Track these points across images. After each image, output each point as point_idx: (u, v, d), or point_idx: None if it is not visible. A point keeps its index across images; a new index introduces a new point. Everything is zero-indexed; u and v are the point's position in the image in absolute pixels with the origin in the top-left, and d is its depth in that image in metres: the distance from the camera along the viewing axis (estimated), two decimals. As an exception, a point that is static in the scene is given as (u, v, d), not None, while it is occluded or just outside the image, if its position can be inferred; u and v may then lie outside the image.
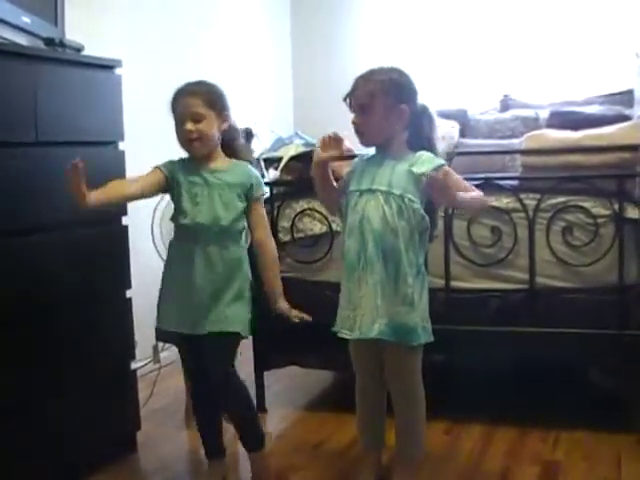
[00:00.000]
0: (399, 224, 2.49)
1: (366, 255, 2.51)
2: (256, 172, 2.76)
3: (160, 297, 2.70)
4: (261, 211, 2.74)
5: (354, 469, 2.83)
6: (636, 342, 3.01)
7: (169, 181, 2.66)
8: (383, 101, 2.53)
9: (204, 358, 2.64)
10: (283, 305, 2.69)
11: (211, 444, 2.81)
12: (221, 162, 2.70)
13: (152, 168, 2.69)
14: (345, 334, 2.58)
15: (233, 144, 2.76)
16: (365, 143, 2.63)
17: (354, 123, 2.58)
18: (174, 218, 2.71)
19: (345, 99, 2.61)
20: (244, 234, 2.72)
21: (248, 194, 2.67)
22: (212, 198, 2.63)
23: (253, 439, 2.76)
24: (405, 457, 2.65)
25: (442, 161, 2.56)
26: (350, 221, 2.58)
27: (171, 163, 2.70)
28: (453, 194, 2.46)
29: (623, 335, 3.04)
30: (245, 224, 2.70)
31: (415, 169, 2.51)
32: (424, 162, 2.53)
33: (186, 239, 2.65)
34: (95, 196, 2.46)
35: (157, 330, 2.75)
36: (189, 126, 2.59)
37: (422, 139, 2.61)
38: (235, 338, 2.66)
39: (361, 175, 2.61)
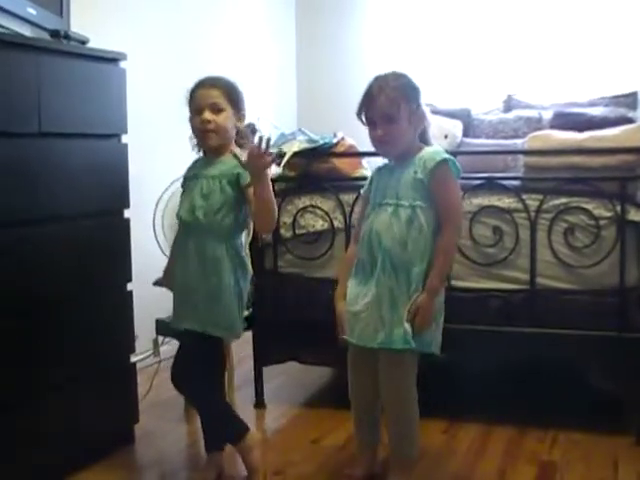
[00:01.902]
0: (408, 236, 2.48)
1: (374, 268, 2.53)
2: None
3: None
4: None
5: (352, 465, 2.84)
6: (635, 344, 3.01)
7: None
8: (408, 107, 2.51)
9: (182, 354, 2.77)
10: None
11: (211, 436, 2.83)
12: (227, 157, 2.70)
13: None
14: (345, 337, 2.63)
15: (243, 146, 2.75)
16: (392, 154, 2.61)
17: (379, 136, 2.53)
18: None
19: (360, 113, 2.57)
20: (237, 233, 2.70)
21: (237, 183, 2.63)
22: (192, 190, 2.68)
23: (222, 433, 2.80)
24: (400, 457, 2.65)
25: (444, 155, 2.54)
26: (362, 233, 2.62)
27: (185, 171, 2.81)
28: (441, 213, 2.52)
29: (623, 337, 3.04)
30: (238, 220, 2.67)
31: (418, 173, 2.51)
32: (425, 162, 2.52)
33: (181, 233, 2.76)
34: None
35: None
36: (207, 115, 2.61)
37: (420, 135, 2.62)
38: (208, 340, 2.67)
39: (377, 187, 2.63)
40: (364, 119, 2.57)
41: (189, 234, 2.68)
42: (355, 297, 2.59)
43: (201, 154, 2.80)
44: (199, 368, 2.69)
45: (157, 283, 3.06)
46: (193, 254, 2.65)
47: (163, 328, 3.48)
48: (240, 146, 2.74)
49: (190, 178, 2.74)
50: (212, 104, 2.62)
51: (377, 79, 2.56)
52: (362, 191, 2.77)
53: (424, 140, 2.62)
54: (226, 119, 2.64)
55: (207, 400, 2.74)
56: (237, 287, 2.67)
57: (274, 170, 3.60)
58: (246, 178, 2.60)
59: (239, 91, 2.71)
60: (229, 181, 2.64)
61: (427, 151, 2.57)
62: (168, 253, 3.40)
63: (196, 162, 2.80)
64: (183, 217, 2.69)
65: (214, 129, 2.63)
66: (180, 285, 2.72)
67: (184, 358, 2.74)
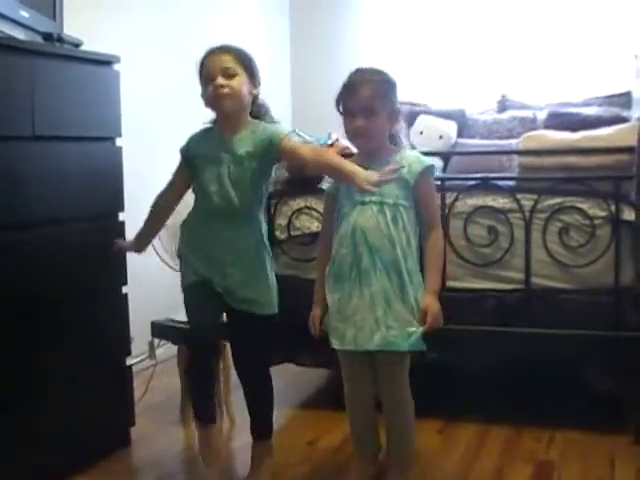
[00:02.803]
0: (395, 233, 2.47)
1: (360, 267, 2.48)
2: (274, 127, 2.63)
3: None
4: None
5: (348, 466, 2.83)
6: (631, 343, 3.01)
7: (187, 162, 2.65)
8: (387, 102, 2.51)
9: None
10: None
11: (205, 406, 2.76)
12: (245, 134, 2.58)
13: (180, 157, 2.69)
14: (335, 344, 2.57)
15: (263, 120, 2.64)
16: (367, 147, 2.57)
17: (357, 127, 2.49)
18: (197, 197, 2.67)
19: (339, 103, 2.55)
20: (261, 212, 2.69)
21: (265, 150, 2.55)
22: (216, 173, 2.56)
23: (266, 426, 2.80)
24: (399, 459, 2.64)
25: (429, 162, 2.54)
26: (342, 231, 2.54)
27: (190, 141, 2.66)
28: (427, 216, 2.54)
29: (618, 336, 3.04)
30: (260, 197, 2.64)
31: (404, 173, 2.47)
32: (412, 164, 2.51)
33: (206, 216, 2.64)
34: (145, 240, 2.80)
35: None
36: (220, 80, 2.49)
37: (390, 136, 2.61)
38: (256, 317, 2.67)
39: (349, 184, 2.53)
40: (341, 109, 2.55)
41: (219, 219, 2.59)
42: (338, 301, 2.55)
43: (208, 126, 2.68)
44: (265, 352, 2.79)
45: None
46: (224, 241, 2.58)
47: (159, 331, 3.48)
48: (257, 118, 2.63)
49: (207, 158, 2.59)
50: (224, 69, 2.50)
51: (359, 71, 2.55)
52: (326, 188, 2.71)
53: (394, 141, 2.61)
54: (241, 83, 2.52)
55: (271, 386, 2.80)
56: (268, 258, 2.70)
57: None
58: (280, 135, 2.55)
59: (251, 57, 2.60)
60: (255, 155, 2.55)
61: (409, 153, 2.58)
62: (163, 256, 3.40)
63: (205, 136, 2.65)
64: (216, 201, 2.56)
65: (229, 93, 2.50)
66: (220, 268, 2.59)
67: (251, 341, 2.72)
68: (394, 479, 2.63)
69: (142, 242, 2.79)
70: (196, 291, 2.62)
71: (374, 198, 2.47)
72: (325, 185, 2.67)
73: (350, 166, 2.39)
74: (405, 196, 2.49)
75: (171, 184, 2.71)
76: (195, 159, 2.62)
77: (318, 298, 2.68)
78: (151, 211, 2.73)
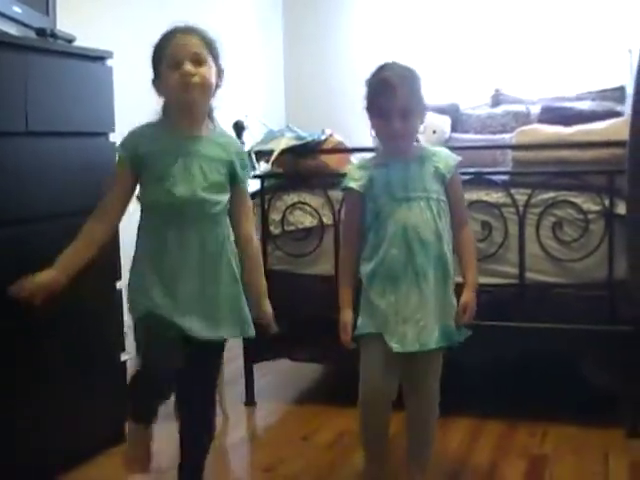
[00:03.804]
0: (441, 227, 2.42)
1: (415, 265, 2.38)
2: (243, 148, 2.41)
3: None
4: (249, 200, 2.45)
5: (342, 461, 2.84)
6: (625, 337, 3.02)
7: (135, 163, 2.25)
8: (420, 100, 2.44)
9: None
10: (269, 309, 2.42)
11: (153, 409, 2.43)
12: (205, 130, 2.32)
13: (117, 159, 2.31)
14: (396, 348, 2.37)
15: (211, 115, 2.39)
16: (403, 149, 2.45)
17: (396, 129, 2.36)
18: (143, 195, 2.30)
19: (371, 102, 2.41)
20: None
21: (230, 173, 2.31)
22: (179, 168, 2.23)
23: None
24: (420, 460, 2.56)
25: (458, 157, 2.51)
26: (390, 231, 2.39)
27: (131, 137, 2.30)
28: (460, 213, 2.52)
29: (612, 330, 3.05)
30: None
31: (442, 170, 2.44)
32: (446, 159, 2.48)
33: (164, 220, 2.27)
34: (71, 267, 2.30)
35: None
36: (189, 67, 2.18)
37: None
38: (222, 345, 2.45)
39: (388, 183, 2.42)
40: (372, 109, 2.41)
41: (184, 220, 2.23)
42: (395, 303, 2.39)
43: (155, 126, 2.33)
44: (212, 385, 2.47)
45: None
46: (193, 245, 2.23)
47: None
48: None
49: (165, 151, 2.24)
50: (194, 54, 2.20)
51: (390, 68, 2.43)
52: (354, 186, 2.46)
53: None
54: (210, 72, 2.23)
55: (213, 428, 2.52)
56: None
57: (263, 167, 3.60)
58: (244, 178, 2.35)
59: (215, 39, 2.33)
60: (225, 167, 2.29)
61: (438, 149, 2.54)
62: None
63: (155, 132, 2.29)
64: (179, 194, 2.20)
65: (199, 83, 2.20)
66: (183, 288, 2.24)
67: (199, 373, 2.38)
68: (415, 476, 2.55)
69: (68, 270, 2.31)
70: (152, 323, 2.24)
71: (420, 194, 2.40)
72: (351, 182, 2.46)
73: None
74: (442, 191, 2.45)
75: (107, 202, 2.32)
76: (146, 157, 2.24)
77: (346, 303, 2.50)
78: (81, 236, 2.33)
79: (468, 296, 2.47)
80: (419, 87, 2.44)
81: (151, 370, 2.22)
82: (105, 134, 3.00)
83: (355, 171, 2.50)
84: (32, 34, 2.91)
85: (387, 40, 5.70)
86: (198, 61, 2.19)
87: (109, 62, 2.99)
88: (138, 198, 2.31)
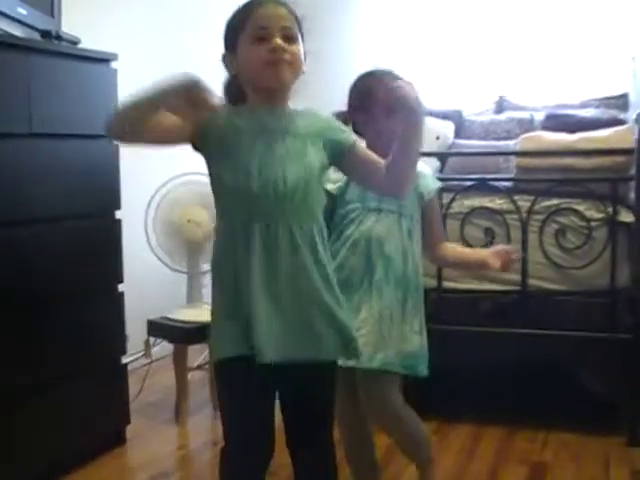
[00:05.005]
0: (409, 248, 2.33)
1: (372, 280, 2.29)
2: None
3: None
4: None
5: (343, 465, 2.82)
6: (626, 345, 3.02)
7: (199, 129, 1.80)
8: None
9: None
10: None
11: None
12: (292, 114, 1.92)
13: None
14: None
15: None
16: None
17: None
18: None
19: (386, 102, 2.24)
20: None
21: (332, 150, 1.89)
22: (262, 149, 1.81)
23: None
24: (416, 462, 2.51)
25: (439, 183, 2.46)
26: (354, 238, 2.31)
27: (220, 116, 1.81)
28: (439, 231, 2.45)
29: (613, 338, 3.04)
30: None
31: (421, 189, 2.36)
32: (428, 181, 2.40)
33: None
34: None
35: None
36: (280, 41, 1.80)
37: None
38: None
39: (364, 190, 2.31)
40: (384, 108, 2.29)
41: (270, 217, 1.78)
42: (356, 316, 2.26)
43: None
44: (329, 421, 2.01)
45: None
46: (284, 250, 1.78)
47: (154, 329, 3.48)
48: None
49: (242, 129, 1.81)
50: (285, 28, 1.82)
51: (389, 74, 2.35)
52: (329, 188, 2.32)
53: None
54: (301, 53, 1.87)
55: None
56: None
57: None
58: (349, 139, 1.91)
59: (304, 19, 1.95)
60: (319, 144, 1.87)
61: (424, 171, 2.42)
62: (159, 254, 3.39)
63: (232, 111, 1.88)
64: (258, 189, 1.76)
65: (290, 61, 1.82)
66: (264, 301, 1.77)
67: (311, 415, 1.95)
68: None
69: None
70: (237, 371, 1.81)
71: (392, 207, 2.32)
72: (328, 184, 2.34)
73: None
74: (417, 211, 2.38)
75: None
76: (217, 133, 1.81)
77: None
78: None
79: (485, 251, 2.40)
80: None
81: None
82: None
83: (334, 173, 2.30)
84: (37, 36, 2.92)
85: (390, 45, 5.70)
86: (289, 37, 1.83)
87: (113, 64, 2.99)
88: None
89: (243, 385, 1.81)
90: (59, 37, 2.88)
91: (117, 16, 4.01)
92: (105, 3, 3.90)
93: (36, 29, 2.95)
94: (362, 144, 1.99)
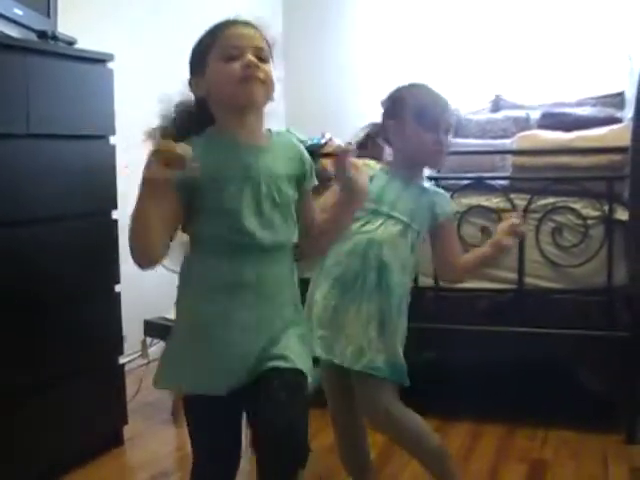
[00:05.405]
0: (409, 260, 2.32)
1: (365, 281, 2.28)
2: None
3: None
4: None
5: (339, 467, 2.83)
6: (623, 343, 3.02)
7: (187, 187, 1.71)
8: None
9: None
10: None
11: None
12: (268, 144, 1.86)
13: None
14: (321, 354, 2.29)
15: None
16: (442, 166, 2.47)
17: (443, 144, 2.32)
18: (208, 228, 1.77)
19: (426, 115, 2.33)
20: None
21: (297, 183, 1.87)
22: (248, 196, 1.75)
23: None
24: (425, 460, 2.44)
25: (455, 207, 2.46)
26: (357, 236, 2.30)
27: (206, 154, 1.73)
28: (458, 249, 2.42)
29: (610, 336, 3.05)
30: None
31: (437, 210, 2.35)
32: (446, 202, 2.40)
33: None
34: None
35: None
36: (253, 57, 1.75)
37: None
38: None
39: (382, 194, 2.33)
40: (423, 122, 2.32)
41: (259, 262, 1.79)
42: (333, 309, 2.31)
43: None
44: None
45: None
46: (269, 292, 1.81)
47: (151, 329, 3.47)
48: None
49: (225, 174, 1.74)
50: (257, 49, 1.78)
51: (429, 87, 2.47)
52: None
53: None
54: (273, 73, 1.79)
55: None
56: None
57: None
58: (312, 180, 1.90)
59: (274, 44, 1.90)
60: (293, 180, 1.85)
61: (438, 190, 2.44)
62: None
63: (209, 144, 1.77)
64: (260, 238, 1.75)
65: (263, 79, 1.75)
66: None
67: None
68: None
69: None
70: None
71: (402, 217, 2.31)
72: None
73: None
74: (426, 228, 2.36)
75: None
76: (200, 179, 1.70)
77: None
78: None
79: (496, 237, 2.36)
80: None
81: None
82: (105, 137, 3.00)
83: (375, 173, 2.36)
84: (33, 36, 2.91)
85: (387, 46, 5.71)
86: (261, 57, 1.77)
87: (110, 65, 2.99)
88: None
89: (210, 418, 1.84)
90: (55, 38, 2.88)
91: (113, 16, 4.00)
92: (101, 3, 3.90)
93: (32, 30, 2.94)
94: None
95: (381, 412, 2.32)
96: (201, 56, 1.81)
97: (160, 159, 1.57)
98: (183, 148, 1.58)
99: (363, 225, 2.32)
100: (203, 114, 1.82)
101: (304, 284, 2.46)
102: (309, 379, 1.81)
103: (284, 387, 1.72)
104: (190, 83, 1.85)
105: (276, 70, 1.82)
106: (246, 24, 1.85)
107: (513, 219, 2.38)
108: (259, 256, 1.77)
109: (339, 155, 1.84)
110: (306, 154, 1.91)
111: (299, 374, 1.77)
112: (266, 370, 1.74)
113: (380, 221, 2.32)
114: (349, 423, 2.52)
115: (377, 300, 2.28)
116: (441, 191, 2.44)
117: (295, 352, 1.79)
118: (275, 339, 1.79)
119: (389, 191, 2.34)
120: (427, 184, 2.43)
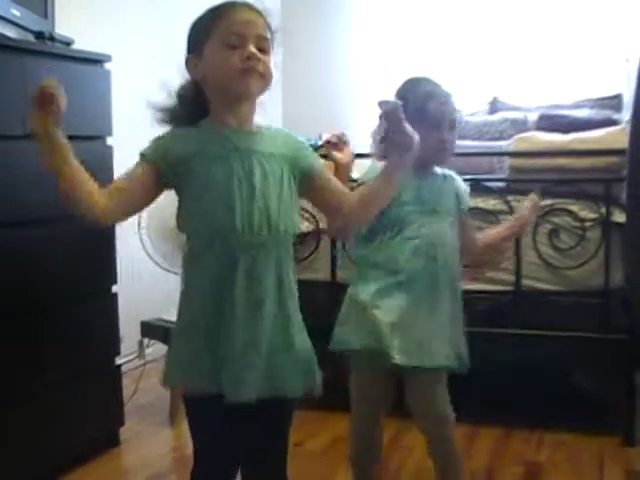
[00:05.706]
0: (457, 250, 2.34)
1: (438, 283, 2.27)
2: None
3: None
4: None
5: (335, 468, 2.83)
6: (619, 345, 3.02)
7: (165, 170, 1.73)
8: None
9: None
10: None
11: None
12: (260, 133, 1.82)
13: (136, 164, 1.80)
14: (397, 360, 2.22)
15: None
16: (446, 162, 2.43)
17: (445, 140, 2.32)
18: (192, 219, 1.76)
19: (424, 111, 2.28)
20: None
21: (296, 170, 1.83)
22: (237, 177, 1.71)
23: None
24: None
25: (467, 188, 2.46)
26: (417, 243, 2.25)
27: (164, 141, 1.79)
28: (474, 228, 2.47)
29: (607, 338, 3.05)
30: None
31: (461, 196, 2.39)
32: (464, 190, 2.42)
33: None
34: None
35: None
36: (254, 49, 1.70)
37: None
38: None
39: (417, 190, 2.30)
40: (422, 119, 2.24)
41: (250, 255, 1.72)
42: (414, 317, 2.25)
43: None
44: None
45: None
46: (270, 288, 1.77)
47: (148, 330, 3.47)
48: None
49: (211, 154, 1.71)
50: (260, 37, 1.72)
51: (432, 82, 2.45)
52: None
53: None
54: (272, 66, 1.75)
55: None
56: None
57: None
58: (315, 161, 1.87)
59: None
60: (288, 161, 1.80)
61: (459, 179, 2.46)
62: (153, 255, 3.39)
63: (191, 134, 1.77)
64: (248, 228, 1.70)
65: (262, 72, 1.71)
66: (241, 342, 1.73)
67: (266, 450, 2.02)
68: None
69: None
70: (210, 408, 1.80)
71: (446, 210, 2.33)
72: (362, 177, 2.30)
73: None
74: (454, 212, 2.38)
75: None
76: (185, 163, 1.71)
77: None
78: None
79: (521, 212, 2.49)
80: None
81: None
82: (102, 137, 3.00)
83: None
84: (30, 37, 2.91)
85: (385, 46, 5.71)
86: (262, 48, 1.72)
87: (107, 65, 2.99)
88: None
89: (213, 421, 1.82)
90: (53, 38, 2.88)
91: (110, 17, 4.00)
92: (98, 4, 3.89)
93: (30, 30, 2.94)
94: (329, 172, 1.93)
95: (440, 409, 2.41)
96: (201, 36, 1.77)
97: (35, 103, 1.59)
98: (49, 82, 1.59)
99: (419, 228, 2.28)
100: (196, 97, 1.81)
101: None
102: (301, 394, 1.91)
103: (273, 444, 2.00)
104: (187, 62, 1.81)
105: (276, 55, 1.79)
106: (251, 9, 1.76)
107: (533, 196, 2.47)
108: (256, 248, 1.71)
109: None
110: (299, 138, 1.88)
111: (291, 402, 1.94)
112: (265, 400, 1.77)
113: (429, 219, 2.29)
114: (373, 415, 2.44)
115: (449, 298, 2.31)
116: (459, 180, 2.45)
117: (295, 367, 1.85)
118: (277, 346, 1.80)
119: (424, 187, 2.32)
120: (439, 170, 2.41)
